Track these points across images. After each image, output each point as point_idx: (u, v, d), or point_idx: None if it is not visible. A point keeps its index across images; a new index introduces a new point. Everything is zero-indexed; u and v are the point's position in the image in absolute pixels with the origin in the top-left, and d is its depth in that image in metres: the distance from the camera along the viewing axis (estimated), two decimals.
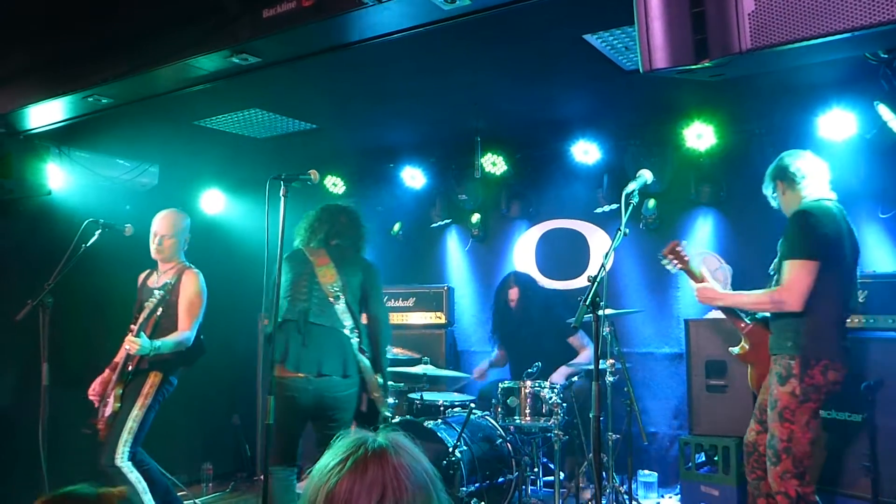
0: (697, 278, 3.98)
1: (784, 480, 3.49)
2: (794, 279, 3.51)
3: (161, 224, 4.56)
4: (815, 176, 3.79)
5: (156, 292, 4.32)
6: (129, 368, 4.31)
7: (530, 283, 5.94)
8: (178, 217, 4.63)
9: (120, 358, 4.37)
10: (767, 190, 3.96)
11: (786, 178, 3.82)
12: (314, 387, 3.90)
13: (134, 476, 4.16)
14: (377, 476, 1.34)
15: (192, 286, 4.44)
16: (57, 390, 4.52)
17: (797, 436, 3.48)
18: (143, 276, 4.72)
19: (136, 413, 4.23)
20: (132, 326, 4.35)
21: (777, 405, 3.54)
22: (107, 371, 4.48)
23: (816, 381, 3.47)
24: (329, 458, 1.39)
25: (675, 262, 4.06)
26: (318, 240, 4.23)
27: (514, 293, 5.80)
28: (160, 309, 4.32)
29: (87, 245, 4.57)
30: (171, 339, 4.29)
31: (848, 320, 3.67)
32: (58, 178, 5.47)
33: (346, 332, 3.98)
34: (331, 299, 4.00)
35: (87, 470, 4.55)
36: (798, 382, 3.48)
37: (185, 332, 4.35)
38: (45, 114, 4.78)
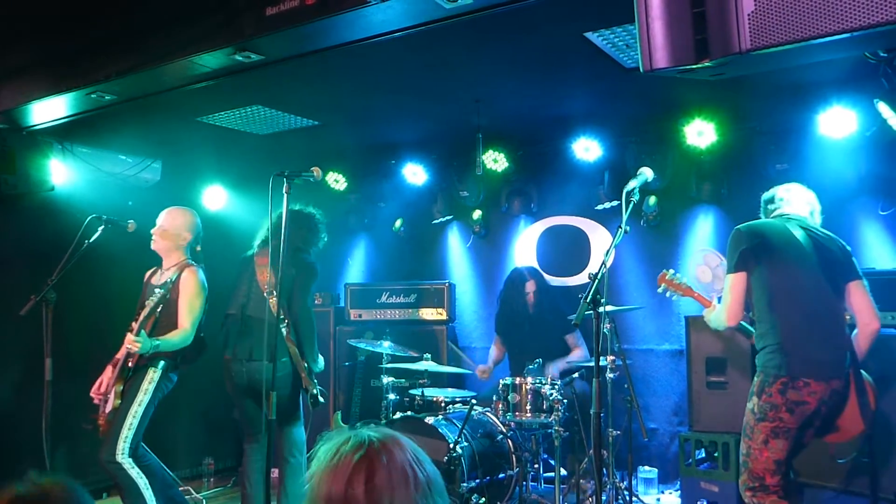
0: (702, 299, 4.00)
1: (742, 490, 3.56)
2: (725, 294, 3.64)
3: (161, 217, 4.61)
4: (788, 201, 3.83)
5: (157, 291, 4.36)
6: (130, 365, 4.33)
7: (543, 280, 5.96)
8: (179, 212, 4.64)
9: (121, 355, 4.40)
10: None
11: (761, 208, 3.96)
12: (247, 369, 4.45)
13: (135, 472, 4.19)
14: (383, 470, 1.38)
15: (191, 284, 4.45)
16: (60, 385, 4.54)
17: (753, 452, 3.47)
18: (148, 273, 4.74)
19: (135, 409, 4.26)
20: (133, 325, 4.38)
21: (743, 420, 3.58)
22: (108, 368, 4.51)
23: (774, 399, 3.41)
24: (331, 450, 1.44)
25: (675, 290, 4.20)
26: (263, 242, 4.68)
27: (531, 286, 5.80)
28: (160, 307, 4.36)
29: (90, 241, 4.58)
30: (171, 337, 4.33)
31: (825, 339, 3.52)
32: (61, 173, 5.49)
33: (280, 323, 4.33)
34: (265, 295, 4.42)
35: (91, 464, 4.61)
36: (757, 399, 3.47)
37: (184, 329, 4.38)
38: (48, 110, 4.80)
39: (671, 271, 4.34)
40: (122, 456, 4.17)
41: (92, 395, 4.47)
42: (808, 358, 3.45)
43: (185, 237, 4.60)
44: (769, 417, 3.43)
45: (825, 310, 3.57)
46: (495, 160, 6.22)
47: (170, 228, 4.56)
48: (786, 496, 3.49)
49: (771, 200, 3.90)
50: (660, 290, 4.32)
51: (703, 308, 4.08)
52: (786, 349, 3.45)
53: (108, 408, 4.31)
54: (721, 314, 3.65)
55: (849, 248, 3.72)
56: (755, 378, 3.57)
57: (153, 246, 4.59)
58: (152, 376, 4.34)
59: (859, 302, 3.61)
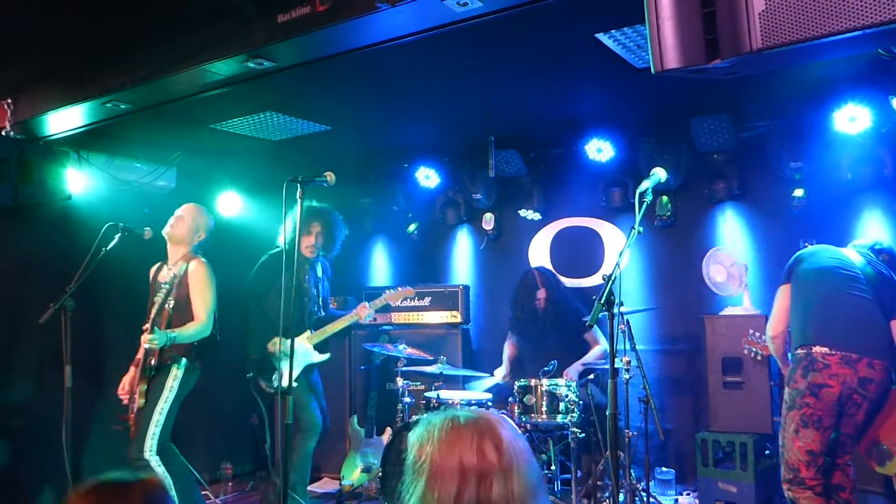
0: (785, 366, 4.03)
1: (782, 481, 3.61)
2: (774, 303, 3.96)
3: (184, 207, 4.77)
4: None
5: (163, 286, 4.46)
6: (152, 363, 4.40)
7: (555, 281, 5.91)
8: (202, 210, 4.81)
9: (141, 354, 4.46)
10: None
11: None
12: None
13: (161, 470, 4.28)
14: (504, 436, 1.55)
15: (200, 275, 4.53)
16: (80, 392, 4.58)
17: (787, 443, 3.54)
18: (153, 269, 4.81)
19: (161, 406, 4.36)
20: (145, 326, 4.45)
21: None
22: (132, 368, 4.58)
23: (798, 385, 3.54)
24: (429, 431, 1.58)
25: (759, 350, 4.64)
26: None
27: (542, 293, 5.75)
28: (171, 302, 4.44)
29: (107, 249, 4.63)
30: (187, 328, 4.43)
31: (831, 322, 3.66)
32: (77, 182, 5.54)
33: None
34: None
35: (111, 470, 4.63)
36: (787, 389, 3.59)
37: (200, 320, 4.49)
38: (64, 120, 4.85)
39: (756, 333, 4.71)
40: (151, 453, 4.27)
41: (119, 395, 4.56)
42: (827, 328, 3.58)
43: (201, 235, 4.74)
44: (797, 405, 3.51)
45: (864, 315, 3.64)
46: (508, 162, 6.20)
47: (191, 223, 4.67)
48: (824, 494, 3.50)
49: None
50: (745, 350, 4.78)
51: (719, 305, 4.16)
52: (807, 325, 3.63)
53: (136, 406, 4.39)
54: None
55: None
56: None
57: (167, 230, 4.67)
58: (176, 373, 4.43)
59: None
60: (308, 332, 5.11)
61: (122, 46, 4.25)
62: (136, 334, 4.48)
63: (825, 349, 3.51)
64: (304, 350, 5.05)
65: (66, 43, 4.42)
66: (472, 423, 1.56)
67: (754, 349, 4.69)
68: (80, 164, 5.59)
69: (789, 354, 3.84)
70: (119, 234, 4.66)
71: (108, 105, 4.47)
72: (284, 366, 4.53)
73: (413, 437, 1.59)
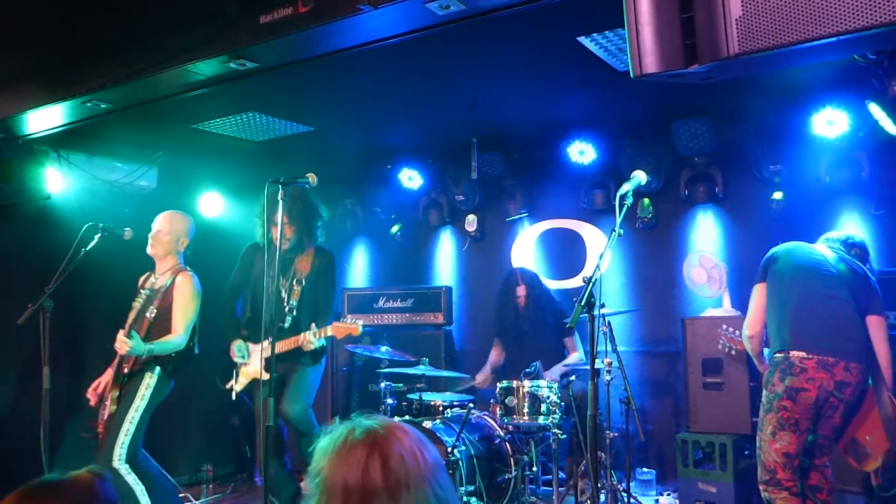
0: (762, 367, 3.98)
1: (759, 482, 3.64)
2: (749, 304, 3.93)
3: (159, 221, 4.61)
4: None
5: (143, 292, 4.45)
6: (125, 371, 4.33)
7: (536, 281, 5.93)
8: (178, 217, 4.66)
9: (117, 359, 4.42)
10: None
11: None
12: None
13: (132, 478, 4.17)
14: (398, 450, 1.42)
15: (186, 289, 4.45)
16: (58, 394, 4.54)
17: (764, 444, 3.58)
18: (142, 278, 4.75)
19: (132, 415, 4.24)
20: (121, 331, 4.35)
21: None
22: (107, 371, 4.52)
23: (776, 388, 3.57)
24: (338, 436, 1.47)
25: (734, 345, 4.61)
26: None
27: (521, 290, 5.79)
28: (153, 311, 4.39)
29: (87, 249, 4.58)
30: (165, 340, 4.33)
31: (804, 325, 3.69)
32: (56, 182, 5.49)
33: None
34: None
35: None
36: (765, 391, 3.62)
37: (178, 334, 4.37)
38: (44, 119, 4.81)
39: (730, 329, 4.71)
40: (119, 462, 4.14)
41: (88, 395, 4.47)
42: (803, 331, 3.59)
43: (183, 242, 4.61)
44: (774, 408, 3.54)
45: (840, 317, 3.66)
46: (490, 164, 6.23)
47: (169, 233, 4.56)
48: (800, 495, 3.55)
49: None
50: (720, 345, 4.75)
51: (699, 306, 4.17)
52: (783, 328, 3.63)
53: (106, 414, 4.29)
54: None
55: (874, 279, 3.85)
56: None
57: (149, 251, 4.58)
58: (149, 381, 4.33)
59: (876, 339, 3.70)
60: (265, 343, 4.07)
61: (103, 46, 4.22)
62: (115, 335, 4.43)
63: (802, 353, 3.54)
64: (255, 363, 4.60)
65: (47, 42, 4.38)
66: (365, 436, 1.44)
67: (729, 345, 4.70)
68: (60, 163, 5.54)
69: (766, 351, 3.85)
70: (99, 235, 4.61)
71: (88, 104, 4.44)
72: (245, 369, 4.75)
73: (317, 447, 1.49)
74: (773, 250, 3.92)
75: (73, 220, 4.97)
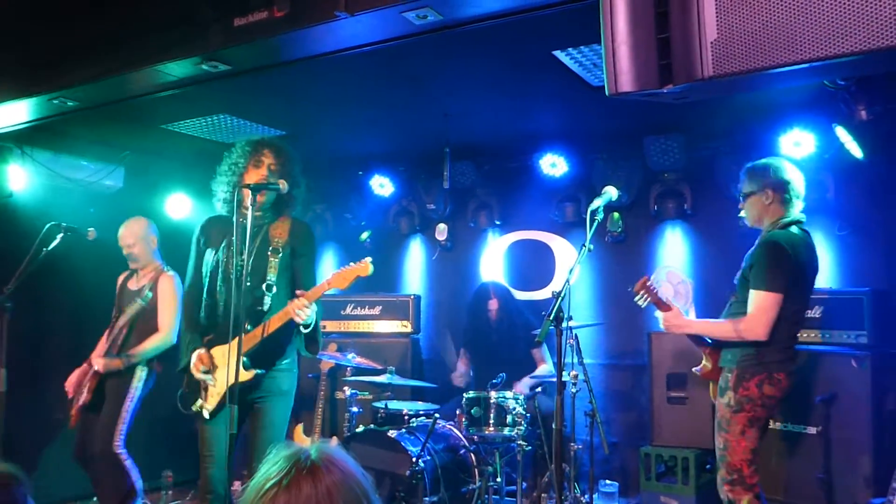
0: (665, 306, 3.95)
1: (720, 485, 3.63)
2: (760, 311, 3.51)
3: (124, 235, 4.76)
4: (801, 197, 3.75)
5: (137, 300, 4.62)
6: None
7: (507, 295, 5.94)
8: (137, 223, 4.81)
9: (97, 359, 4.60)
10: (750, 189, 3.74)
11: (784, 191, 3.69)
12: None
13: (129, 462, 4.55)
14: (311, 495, 1.31)
15: (169, 290, 4.69)
16: (15, 396, 4.45)
17: (731, 444, 3.58)
18: (122, 277, 4.86)
19: (127, 405, 4.58)
20: (107, 332, 4.66)
21: (717, 416, 3.67)
22: (84, 364, 4.66)
23: (751, 392, 3.56)
24: (264, 476, 1.35)
25: (646, 296, 3.99)
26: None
27: (493, 304, 5.77)
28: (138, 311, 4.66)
29: (49, 249, 4.50)
30: (149, 344, 4.62)
31: (798, 334, 3.73)
32: (19, 179, 5.38)
33: None
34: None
35: (46, 476, 4.50)
36: (733, 394, 3.58)
37: (166, 332, 4.64)
38: (8, 115, 4.69)
39: (652, 277, 4.28)
40: (120, 447, 4.52)
41: (65, 386, 4.66)
42: (785, 358, 3.59)
43: (153, 240, 4.82)
44: (746, 409, 3.54)
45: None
46: (462, 174, 6.23)
47: (135, 240, 4.73)
48: (761, 498, 3.59)
49: (790, 194, 3.70)
50: (636, 297, 3.99)
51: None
52: (770, 351, 3.55)
53: (81, 402, 4.57)
54: (750, 328, 3.55)
55: None
56: (724, 374, 3.66)
57: (132, 265, 4.81)
58: (140, 374, 4.65)
59: None
60: (237, 339, 3.36)
61: (72, 44, 4.14)
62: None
63: (783, 375, 3.56)
64: (224, 371, 3.54)
65: (15, 39, 4.29)
66: (280, 478, 1.32)
67: (645, 296, 3.95)
68: (24, 160, 5.43)
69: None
70: (61, 234, 4.54)
71: (55, 101, 4.35)
72: (214, 384, 3.59)
73: (254, 484, 1.37)
74: (787, 250, 3.59)
75: (35, 219, 4.87)
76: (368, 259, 3.62)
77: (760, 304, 3.52)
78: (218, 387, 3.59)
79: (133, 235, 4.74)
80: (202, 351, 3.61)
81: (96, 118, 4.87)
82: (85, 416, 4.62)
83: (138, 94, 4.23)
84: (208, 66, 3.73)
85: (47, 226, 4.54)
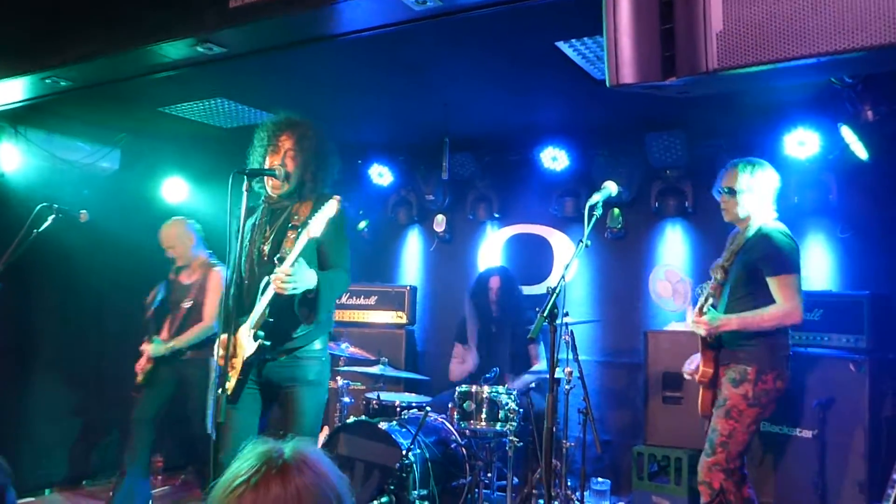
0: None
1: (711, 472, 3.61)
2: (793, 292, 3.58)
3: (163, 238, 4.98)
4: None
5: (186, 302, 4.89)
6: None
7: (510, 277, 5.85)
8: (175, 225, 5.00)
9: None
10: (740, 184, 3.77)
11: (775, 191, 3.87)
12: None
13: None
14: (279, 495, 1.27)
15: (216, 283, 4.92)
16: (3, 378, 4.41)
17: (737, 434, 3.60)
18: (173, 273, 5.04)
19: None
20: (165, 324, 4.93)
21: (726, 403, 3.64)
22: (144, 344, 4.89)
23: (768, 386, 3.59)
24: (234, 473, 1.31)
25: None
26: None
27: (495, 282, 5.69)
28: (189, 303, 4.92)
29: (39, 230, 4.44)
30: (193, 333, 4.84)
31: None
32: (12, 159, 5.31)
33: None
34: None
35: (24, 462, 4.44)
36: (752, 387, 3.58)
37: (208, 321, 4.87)
38: (1, 93, 4.63)
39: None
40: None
41: (137, 369, 4.88)
42: (788, 355, 3.68)
43: (190, 237, 5.01)
44: (762, 403, 3.59)
45: None
46: (462, 165, 6.16)
47: (173, 241, 4.95)
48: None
49: (775, 193, 3.91)
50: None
51: (662, 320, 4.10)
52: (781, 346, 3.66)
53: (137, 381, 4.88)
54: (793, 311, 3.60)
55: None
56: (740, 367, 3.64)
57: (177, 263, 5.03)
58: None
59: None
60: (238, 327, 3.44)
61: (67, 22, 4.07)
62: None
63: (787, 371, 3.66)
64: (247, 344, 3.45)
65: (7, 18, 4.22)
66: (249, 476, 1.28)
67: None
68: (17, 139, 5.36)
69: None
70: (53, 216, 4.48)
71: (48, 81, 4.26)
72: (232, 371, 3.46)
73: (223, 482, 1.32)
74: (791, 237, 3.76)
75: (28, 200, 4.81)
76: (337, 198, 3.45)
77: (791, 286, 3.59)
78: (236, 367, 3.48)
79: (170, 238, 4.96)
80: (223, 336, 3.44)
81: (92, 99, 4.81)
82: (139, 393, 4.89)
83: (132, 74, 4.15)
84: (203, 48, 3.65)
85: (38, 207, 4.48)
